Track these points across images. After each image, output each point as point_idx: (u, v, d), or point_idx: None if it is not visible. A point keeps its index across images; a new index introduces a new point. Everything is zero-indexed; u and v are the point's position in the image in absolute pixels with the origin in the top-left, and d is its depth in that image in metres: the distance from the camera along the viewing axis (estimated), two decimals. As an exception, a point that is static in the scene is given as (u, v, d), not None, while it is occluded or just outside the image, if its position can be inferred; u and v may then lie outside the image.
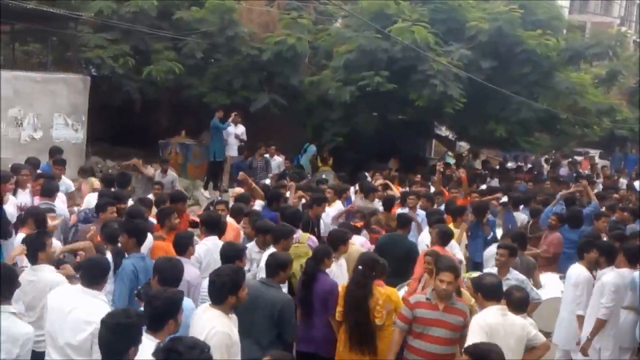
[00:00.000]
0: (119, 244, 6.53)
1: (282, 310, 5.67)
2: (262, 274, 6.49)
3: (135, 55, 16.32)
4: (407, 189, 12.79)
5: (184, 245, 6.59)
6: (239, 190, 10.89)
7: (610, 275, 7.25)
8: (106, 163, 16.12)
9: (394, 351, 5.83)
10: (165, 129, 17.98)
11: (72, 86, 14.73)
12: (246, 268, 6.88)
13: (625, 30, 25.27)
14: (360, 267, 6.27)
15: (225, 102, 16.75)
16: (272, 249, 7.01)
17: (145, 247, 7.06)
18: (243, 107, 16.92)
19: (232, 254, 6.16)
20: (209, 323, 4.73)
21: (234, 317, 4.96)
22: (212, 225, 7.52)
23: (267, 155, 15.63)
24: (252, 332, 5.45)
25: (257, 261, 7.30)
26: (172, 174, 12.95)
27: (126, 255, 6.31)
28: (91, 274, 5.09)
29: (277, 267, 5.94)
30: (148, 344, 4.09)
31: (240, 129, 16.14)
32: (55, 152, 11.02)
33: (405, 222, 8.90)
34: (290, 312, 5.79)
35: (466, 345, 5.23)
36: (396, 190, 12.19)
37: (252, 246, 7.53)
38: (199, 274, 6.57)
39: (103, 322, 3.81)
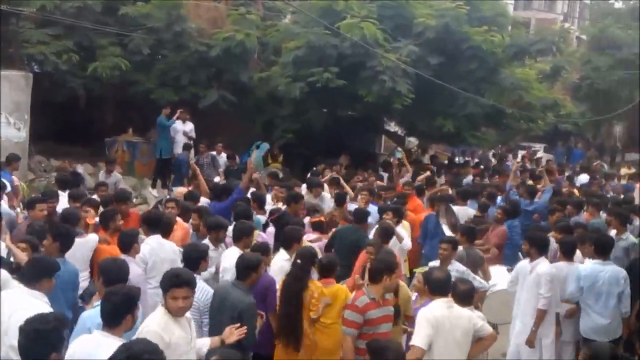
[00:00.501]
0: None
1: (241, 312, 5.55)
2: (227, 275, 6.54)
3: (80, 51, 15.98)
4: (359, 184, 12.86)
5: (128, 244, 6.51)
6: (182, 189, 10.76)
7: (545, 266, 7.37)
8: (50, 162, 15.75)
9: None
10: (112, 127, 17.68)
11: (14, 83, 14.29)
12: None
13: (568, 26, 25.85)
14: (298, 260, 6.33)
15: (173, 98, 16.57)
16: (233, 248, 7.03)
17: (88, 249, 6.95)
18: (191, 103, 16.77)
19: (196, 256, 6.10)
20: (145, 321, 4.71)
21: (183, 320, 4.82)
22: (154, 223, 7.40)
23: (213, 153, 15.49)
24: (220, 333, 5.29)
25: (213, 259, 7.23)
26: (116, 175, 12.88)
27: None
28: (32, 274, 4.99)
29: (246, 269, 5.82)
30: (106, 342, 4.13)
31: (189, 126, 15.97)
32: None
33: (361, 217, 8.98)
34: (250, 316, 5.63)
35: (413, 338, 5.30)
36: (347, 186, 12.24)
37: (206, 243, 7.38)
38: (141, 273, 6.52)
39: (21, 328, 3.72)
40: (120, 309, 4.34)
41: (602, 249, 7.57)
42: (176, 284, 4.70)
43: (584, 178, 18.18)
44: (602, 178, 17.93)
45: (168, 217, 7.88)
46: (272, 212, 9.24)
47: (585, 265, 7.58)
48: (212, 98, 16.74)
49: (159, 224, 7.39)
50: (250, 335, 5.65)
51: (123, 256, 6.34)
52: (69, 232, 6.42)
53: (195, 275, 5.35)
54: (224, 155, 15.71)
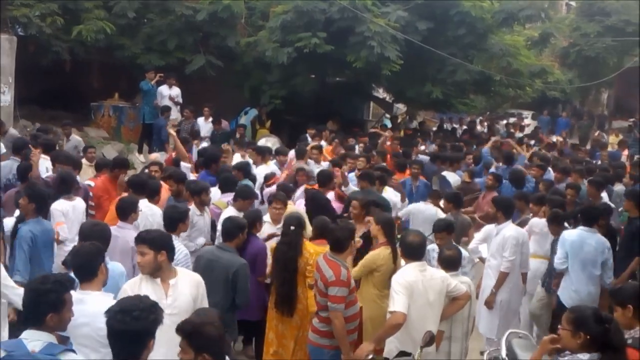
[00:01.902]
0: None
1: (236, 273, 5.67)
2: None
3: (64, 14, 15.66)
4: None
5: (127, 211, 6.52)
6: (156, 155, 10.62)
7: (511, 229, 7.46)
8: (35, 126, 15.59)
9: (346, 336, 5.46)
10: (98, 91, 17.47)
11: (-3, 46, 14.10)
12: (186, 234, 6.87)
13: (557, -8, 25.80)
14: (291, 227, 6.32)
15: (160, 63, 16.39)
16: (229, 208, 7.11)
17: (80, 213, 7.01)
18: (178, 68, 16.59)
19: (176, 217, 6.14)
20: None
21: (157, 282, 4.76)
22: (140, 187, 7.45)
23: (200, 119, 15.32)
24: (212, 297, 5.26)
25: (198, 224, 7.32)
26: (75, 138, 12.38)
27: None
28: None
29: (234, 229, 5.94)
30: (87, 298, 4.26)
31: (175, 91, 15.81)
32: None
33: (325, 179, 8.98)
34: (245, 275, 5.77)
35: (391, 304, 5.29)
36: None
37: (193, 209, 7.38)
38: None
39: (24, 288, 3.84)
40: (89, 263, 4.44)
41: (588, 216, 7.48)
42: (136, 241, 4.81)
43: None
44: (599, 147, 17.99)
45: (154, 181, 7.89)
46: (266, 178, 9.33)
47: (570, 232, 7.48)
48: (198, 63, 16.57)
49: (145, 189, 7.42)
50: (244, 295, 5.73)
51: (121, 223, 6.38)
52: (45, 193, 6.49)
53: (173, 236, 5.33)
54: (210, 120, 15.54)
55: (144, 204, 7.14)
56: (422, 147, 15.51)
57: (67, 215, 7.03)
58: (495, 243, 7.51)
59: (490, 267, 7.58)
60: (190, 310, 4.64)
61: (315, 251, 6.31)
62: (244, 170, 9.51)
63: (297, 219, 6.51)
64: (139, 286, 4.69)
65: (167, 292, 4.72)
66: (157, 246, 4.70)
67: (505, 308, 7.49)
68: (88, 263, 4.44)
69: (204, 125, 15.21)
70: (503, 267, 7.35)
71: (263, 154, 11.02)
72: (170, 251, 4.81)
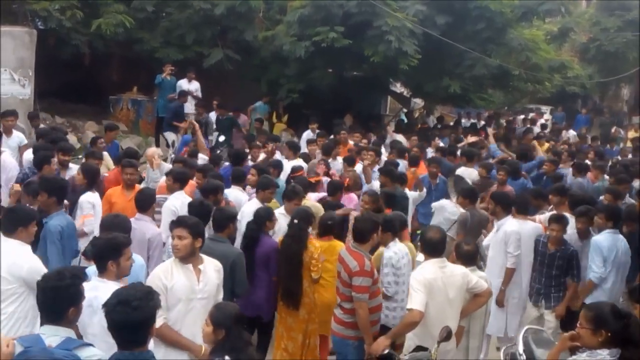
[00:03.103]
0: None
1: (234, 263, 5.69)
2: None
3: (83, 8, 15.78)
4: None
5: (147, 203, 6.61)
6: (154, 150, 10.44)
7: (513, 224, 7.37)
8: (55, 119, 15.73)
9: (370, 327, 5.55)
10: (116, 85, 17.58)
11: (18, 40, 14.19)
12: None
13: (577, -13, 25.55)
14: (296, 220, 6.35)
15: (178, 57, 16.45)
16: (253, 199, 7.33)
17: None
18: (196, 62, 16.64)
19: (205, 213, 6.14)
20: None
21: (189, 268, 4.89)
22: (184, 180, 7.76)
23: (211, 114, 15.27)
24: None
25: None
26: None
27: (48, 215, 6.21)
28: (8, 224, 5.11)
29: (224, 220, 5.98)
30: (102, 286, 4.38)
31: (195, 86, 15.86)
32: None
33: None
34: (242, 265, 5.82)
35: (409, 301, 5.29)
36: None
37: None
38: (159, 232, 6.59)
39: (38, 284, 3.83)
40: (104, 254, 4.54)
41: (614, 217, 7.28)
42: (175, 224, 4.94)
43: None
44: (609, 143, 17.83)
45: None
46: (293, 170, 9.40)
47: (600, 237, 7.17)
48: (216, 57, 16.60)
49: (187, 181, 7.77)
50: (243, 284, 5.77)
51: (138, 215, 6.45)
52: (63, 184, 6.56)
53: None
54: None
55: (182, 194, 7.49)
56: (440, 143, 15.42)
57: (95, 208, 7.14)
58: (496, 239, 7.42)
59: (493, 265, 7.46)
60: (216, 295, 4.95)
61: (320, 245, 6.34)
62: (279, 168, 9.64)
63: (304, 212, 6.55)
64: (171, 272, 4.82)
65: (198, 277, 4.89)
66: (195, 232, 4.87)
67: (513, 305, 7.41)
68: (100, 257, 4.55)
69: (214, 117, 15.24)
70: (509, 263, 7.26)
71: (295, 149, 11.16)
72: (203, 240, 5.01)
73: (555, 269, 7.13)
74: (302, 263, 6.29)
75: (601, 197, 9.07)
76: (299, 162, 10.64)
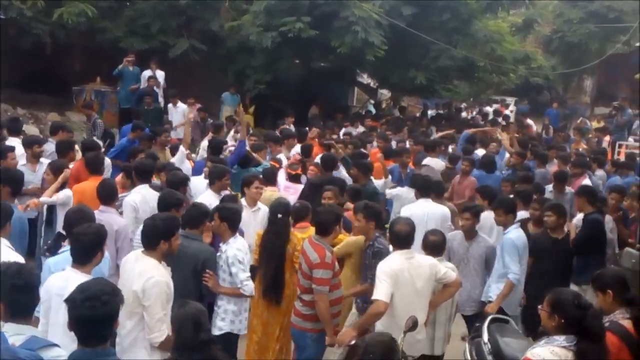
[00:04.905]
0: None
1: (205, 261, 5.56)
2: None
3: (45, -4, 15.49)
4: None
5: (110, 195, 6.48)
6: None
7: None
8: (17, 110, 15.41)
9: (331, 319, 5.53)
10: (79, 75, 17.30)
11: (-23, 29, 13.92)
12: None
13: (541, -22, 25.75)
14: (279, 215, 6.28)
15: (142, 47, 16.26)
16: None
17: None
18: (161, 52, 16.45)
19: (171, 202, 6.07)
20: (146, 272, 4.66)
21: (168, 268, 4.85)
22: (145, 173, 7.41)
23: (169, 105, 15.07)
24: (176, 289, 5.04)
25: None
26: None
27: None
28: None
29: (199, 216, 5.80)
30: (75, 277, 4.30)
31: (158, 74, 15.62)
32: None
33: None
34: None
35: (375, 292, 5.29)
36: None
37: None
38: (126, 223, 6.48)
39: (3, 280, 3.65)
40: (89, 248, 4.55)
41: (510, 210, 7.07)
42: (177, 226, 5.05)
43: None
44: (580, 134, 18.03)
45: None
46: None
47: (513, 235, 6.76)
48: (182, 47, 16.44)
49: (149, 174, 7.47)
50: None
51: (102, 207, 6.33)
52: (19, 176, 6.54)
53: None
54: (180, 105, 15.07)
55: (145, 188, 7.17)
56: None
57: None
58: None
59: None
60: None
61: (303, 238, 6.31)
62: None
63: (284, 205, 6.44)
64: (167, 274, 4.81)
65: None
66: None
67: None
68: (86, 251, 4.56)
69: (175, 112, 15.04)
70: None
71: (277, 141, 11.15)
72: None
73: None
74: (285, 257, 6.20)
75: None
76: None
